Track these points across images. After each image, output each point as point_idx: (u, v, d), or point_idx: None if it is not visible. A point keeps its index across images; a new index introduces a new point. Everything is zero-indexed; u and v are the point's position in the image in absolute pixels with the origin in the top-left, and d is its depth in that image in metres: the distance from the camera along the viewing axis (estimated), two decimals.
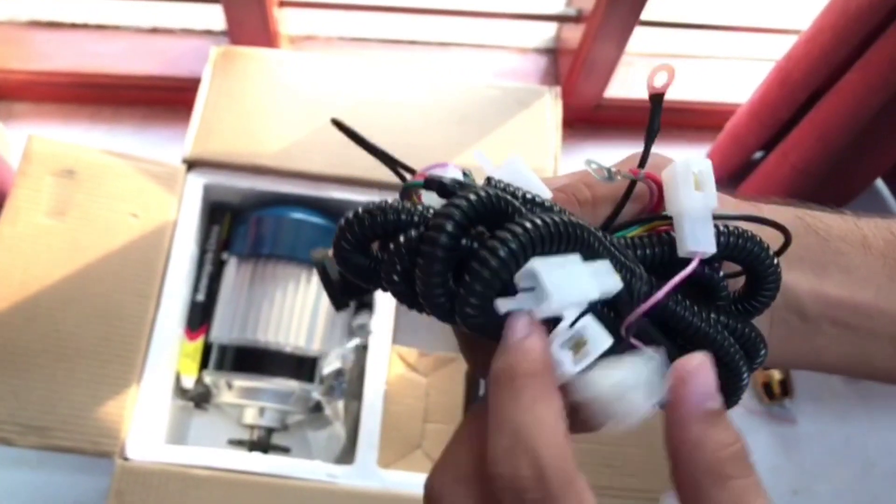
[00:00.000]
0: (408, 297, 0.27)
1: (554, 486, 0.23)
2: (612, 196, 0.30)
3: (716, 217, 0.29)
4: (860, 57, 0.86)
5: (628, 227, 0.30)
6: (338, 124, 0.30)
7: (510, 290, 0.26)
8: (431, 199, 0.28)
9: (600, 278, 0.26)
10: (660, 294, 0.28)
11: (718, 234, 0.29)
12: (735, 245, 0.29)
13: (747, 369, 0.30)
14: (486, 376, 0.29)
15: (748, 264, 0.30)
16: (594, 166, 0.30)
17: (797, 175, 0.99)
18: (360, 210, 0.27)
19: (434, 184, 0.27)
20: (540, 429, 0.24)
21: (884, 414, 1.05)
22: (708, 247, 0.28)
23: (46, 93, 1.10)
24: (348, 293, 0.32)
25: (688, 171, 0.28)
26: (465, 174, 0.29)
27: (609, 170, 0.29)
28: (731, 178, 1.10)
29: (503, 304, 0.25)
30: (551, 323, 0.26)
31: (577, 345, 0.25)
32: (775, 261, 0.30)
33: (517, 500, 0.23)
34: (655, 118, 0.29)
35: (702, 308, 0.30)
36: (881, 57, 0.83)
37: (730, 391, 0.31)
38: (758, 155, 1.09)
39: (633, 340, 0.29)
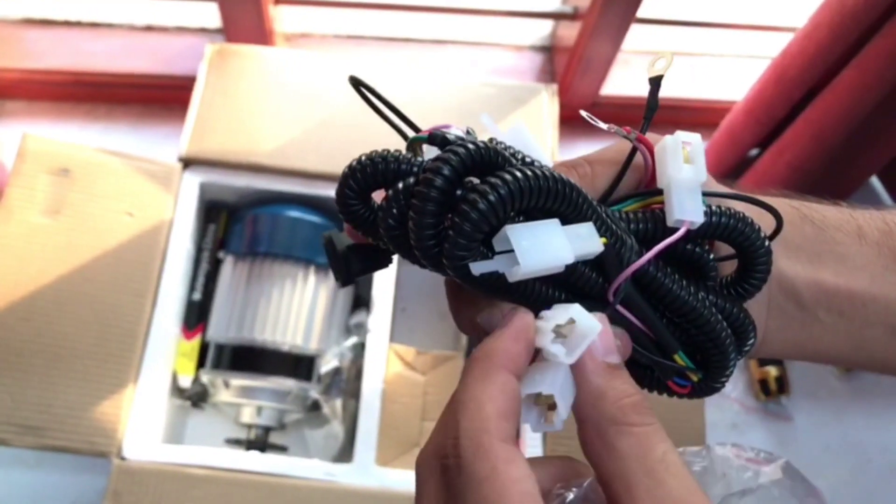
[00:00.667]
0: (402, 244, 0.28)
1: (466, 453, 0.24)
2: (610, 170, 0.31)
3: (708, 194, 0.30)
4: (856, 54, 0.86)
5: (625, 201, 0.31)
6: (355, 81, 0.31)
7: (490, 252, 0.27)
8: (433, 154, 0.28)
9: (579, 242, 0.27)
10: (645, 258, 0.28)
11: (710, 213, 0.29)
12: (726, 224, 0.29)
13: (735, 351, 0.31)
14: (467, 331, 0.31)
15: (738, 245, 0.30)
16: (586, 115, 0.32)
17: (793, 172, 0.99)
18: (363, 157, 0.28)
19: (437, 138, 0.28)
20: (467, 403, 0.25)
21: (879, 410, 1.05)
22: (695, 217, 0.29)
23: (40, 91, 1.09)
24: (353, 269, 0.32)
25: (677, 144, 0.29)
26: (468, 132, 0.30)
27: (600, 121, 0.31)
28: (726, 175, 1.10)
29: (476, 267, 0.27)
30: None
31: (564, 331, 0.27)
32: (766, 242, 0.30)
33: (440, 467, 0.26)
34: (653, 97, 0.31)
35: (690, 284, 0.30)
36: (877, 54, 0.84)
37: (715, 373, 0.31)
38: (753, 152, 1.09)
39: (620, 308, 0.29)
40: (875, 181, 1.16)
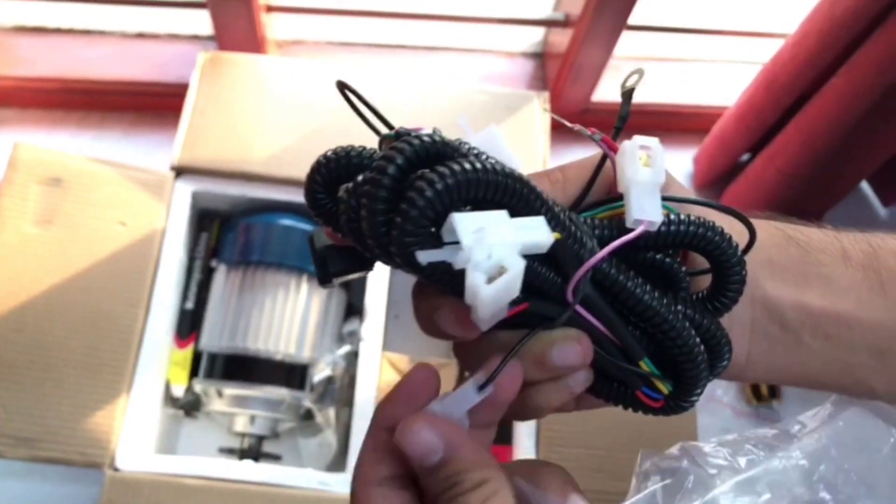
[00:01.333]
0: (360, 237, 0.28)
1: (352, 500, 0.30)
2: (581, 177, 0.32)
3: (674, 199, 0.30)
4: (845, 61, 0.87)
5: (596, 208, 0.31)
6: (341, 85, 0.31)
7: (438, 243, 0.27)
8: None
9: (527, 232, 0.26)
10: (600, 254, 0.28)
11: (678, 221, 0.29)
12: (694, 233, 0.29)
13: (707, 365, 0.31)
14: (428, 332, 0.32)
15: (709, 254, 0.30)
16: (556, 116, 0.33)
17: (783, 178, 1.00)
18: (329, 152, 0.29)
19: (403, 135, 0.28)
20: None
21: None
22: (653, 216, 0.29)
23: (32, 99, 1.09)
24: (331, 269, 0.32)
25: (635, 148, 0.30)
26: (433, 131, 0.30)
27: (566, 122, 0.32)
28: (717, 180, 1.11)
29: (423, 256, 0.26)
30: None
31: (499, 272, 0.26)
32: (738, 252, 0.30)
33: None
34: (625, 108, 0.32)
35: (655, 290, 0.30)
36: (866, 61, 0.84)
37: (686, 387, 0.31)
38: (744, 158, 1.09)
39: (580, 309, 0.29)
40: (865, 186, 1.16)
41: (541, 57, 1.17)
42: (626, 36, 1.00)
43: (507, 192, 0.26)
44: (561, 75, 1.08)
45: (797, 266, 0.33)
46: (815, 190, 1.02)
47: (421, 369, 0.30)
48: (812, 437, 0.34)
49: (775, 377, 0.35)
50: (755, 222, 0.33)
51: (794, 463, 0.34)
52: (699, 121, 1.13)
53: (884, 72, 0.84)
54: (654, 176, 0.29)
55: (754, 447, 0.34)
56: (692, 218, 0.30)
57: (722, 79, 1.17)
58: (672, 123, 1.15)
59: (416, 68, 1.15)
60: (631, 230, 0.29)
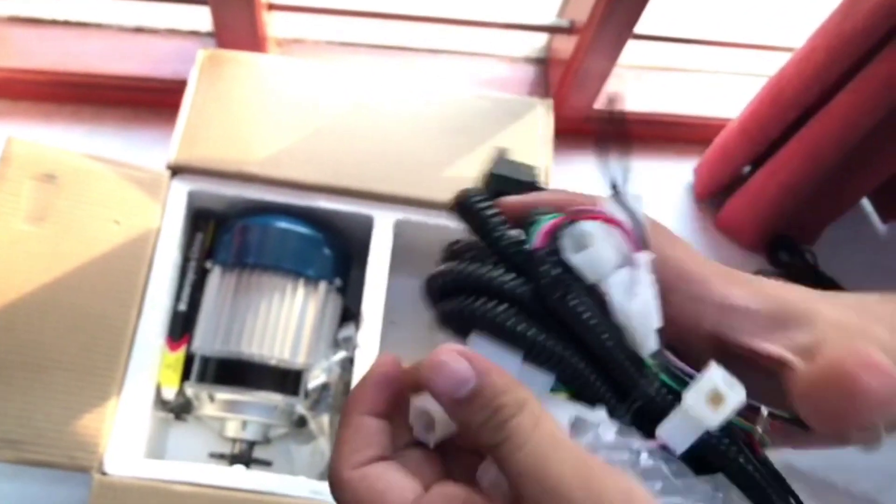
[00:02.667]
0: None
1: (331, 488, 0.32)
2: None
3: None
4: (852, 78, 0.86)
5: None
6: (612, 99, 0.33)
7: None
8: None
9: (531, 380, 0.29)
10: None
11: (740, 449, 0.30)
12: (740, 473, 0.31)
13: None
14: None
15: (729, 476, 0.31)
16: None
17: (785, 192, 0.99)
18: (456, 269, 0.31)
19: (549, 258, 0.30)
20: (333, 447, 0.32)
21: None
22: (676, 447, 0.29)
23: (25, 91, 1.07)
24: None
25: (712, 384, 0.29)
26: (612, 218, 0.30)
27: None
28: (718, 192, 1.10)
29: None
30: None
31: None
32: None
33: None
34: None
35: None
36: (874, 79, 0.83)
37: None
38: (745, 170, 1.08)
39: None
40: (865, 202, 1.16)
41: (543, 63, 1.16)
42: (630, 44, 0.99)
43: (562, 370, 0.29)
44: (564, 82, 1.06)
45: None
46: (816, 204, 1.01)
47: (385, 356, 0.33)
48: None
49: None
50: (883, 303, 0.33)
51: None
52: (702, 131, 1.12)
53: (891, 89, 0.83)
54: (707, 420, 0.29)
55: None
56: (751, 462, 0.31)
57: (726, 90, 1.16)
58: (674, 133, 1.14)
59: (416, 70, 1.14)
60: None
